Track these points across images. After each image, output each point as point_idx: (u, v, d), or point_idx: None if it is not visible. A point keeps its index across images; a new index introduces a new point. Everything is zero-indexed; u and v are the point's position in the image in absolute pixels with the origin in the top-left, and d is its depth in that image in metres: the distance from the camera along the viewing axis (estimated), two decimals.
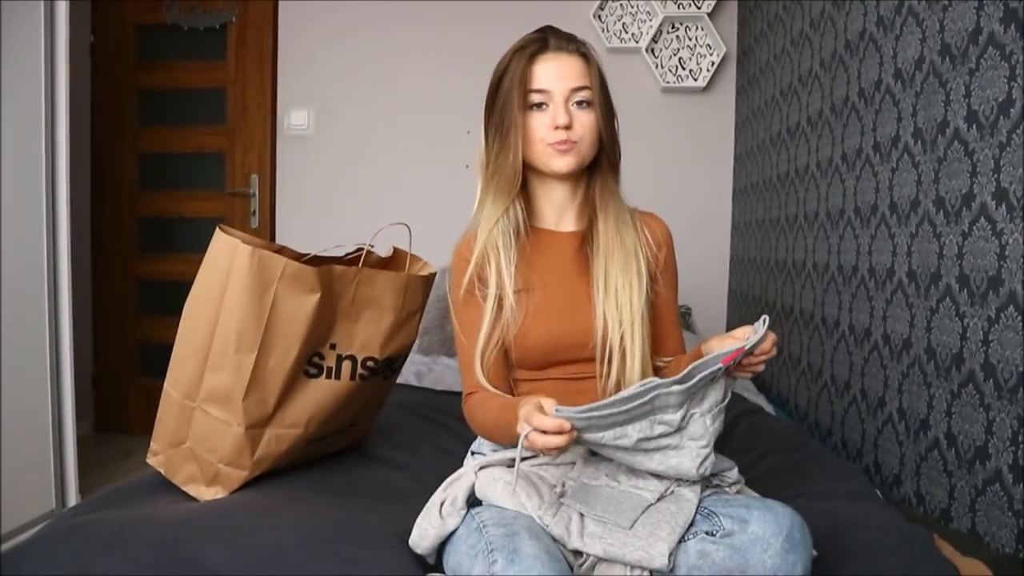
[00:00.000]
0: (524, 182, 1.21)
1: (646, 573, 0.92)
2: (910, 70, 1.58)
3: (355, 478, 1.33)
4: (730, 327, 3.10)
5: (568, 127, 1.13)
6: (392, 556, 1.02)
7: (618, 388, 1.12)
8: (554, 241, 1.22)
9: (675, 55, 3.04)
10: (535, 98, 1.14)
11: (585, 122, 1.15)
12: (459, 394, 1.96)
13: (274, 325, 1.19)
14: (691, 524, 0.93)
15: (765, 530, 0.88)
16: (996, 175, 1.27)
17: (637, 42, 3.01)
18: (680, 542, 0.92)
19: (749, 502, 0.93)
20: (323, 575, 0.98)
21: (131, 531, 1.04)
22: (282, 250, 1.29)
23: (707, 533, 0.91)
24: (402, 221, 1.38)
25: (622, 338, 1.13)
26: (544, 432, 0.89)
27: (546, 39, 1.16)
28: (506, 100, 1.15)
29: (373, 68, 3.18)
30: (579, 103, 1.15)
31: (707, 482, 1.02)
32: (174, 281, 3.18)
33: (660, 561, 0.90)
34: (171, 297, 2.92)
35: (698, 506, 0.95)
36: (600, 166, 1.21)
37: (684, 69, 3.03)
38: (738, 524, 0.90)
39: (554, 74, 1.14)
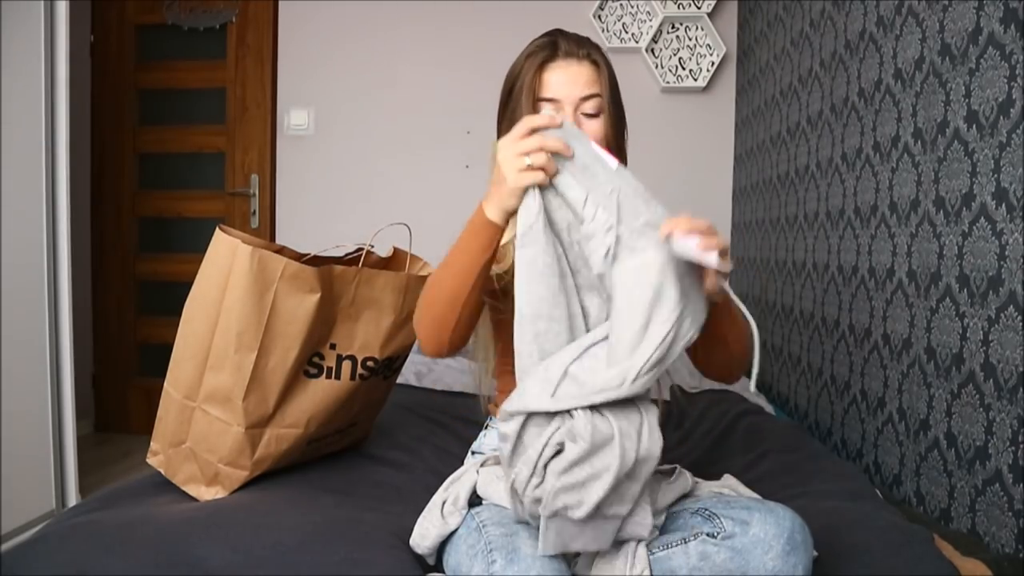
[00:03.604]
0: None
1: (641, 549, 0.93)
2: (910, 70, 1.58)
3: (355, 478, 1.33)
4: None
5: None
6: (392, 556, 1.02)
7: None
8: None
9: (675, 55, 3.04)
10: (544, 107, 1.13)
11: (594, 131, 1.13)
12: (459, 394, 1.98)
13: (274, 325, 1.19)
14: (692, 526, 0.94)
15: (766, 532, 0.88)
16: (996, 175, 1.27)
17: (637, 42, 3.01)
18: (681, 543, 0.92)
19: (750, 504, 0.93)
20: (323, 575, 0.98)
21: (131, 531, 1.04)
22: (282, 250, 1.29)
23: (708, 535, 0.91)
24: (402, 221, 1.39)
25: None
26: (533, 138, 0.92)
27: (556, 45, 1.14)
28: (516, 107, 1.14)
29: (373, 68, 3.18)
30: (588, 111, 1.14)
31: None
32: (174, 281, 3.19)
33: (647, 529, 0.91)
34: (171, 297, 2.93)
35: (697, 506, 0.96)
36: None
37: (684, 69, 3.03)
38: (739, 526, 0.90)
39: (563, 82, 1.12)
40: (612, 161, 0.95)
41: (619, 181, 0.93)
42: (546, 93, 1.13)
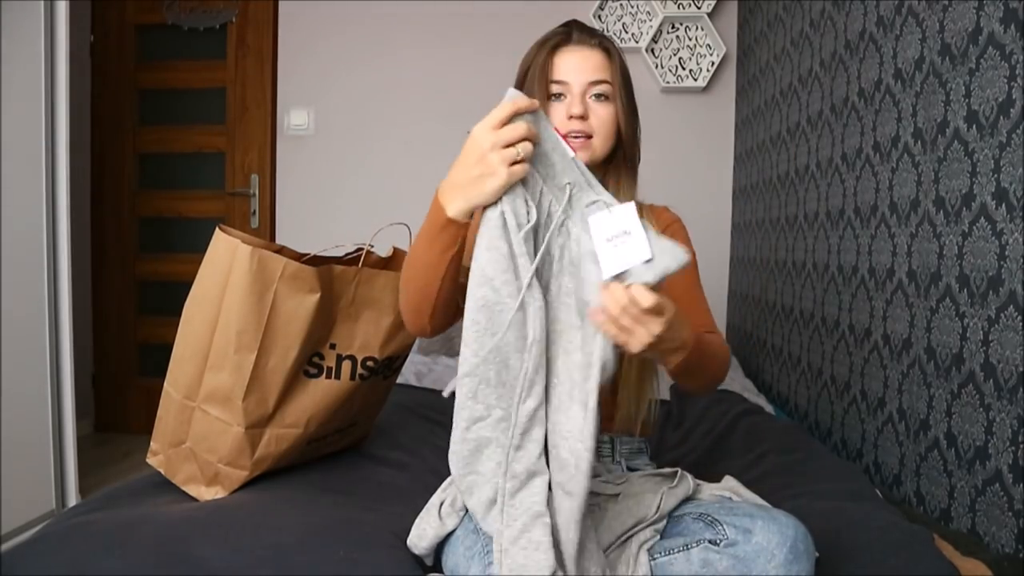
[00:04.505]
0: None
1: (643, 554, 0.93)
2: (910, 70, 1.58)
3: (355, 478, 1.33)
4: (730, 327, 3.10)
5: (583, 118, 1.12)
6: (392, 556, 1.02)
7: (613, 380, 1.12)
8: None
9: (675, 55, 3.04)
10: (554, 88, 1.14)
11: (601, 115, 1.14)
12: None
13: (274, 325, 1.19)
14: (694, 532, 0.94)
15: (769, 540, 0.87)
16: (996, 175, 1.26)
17: (637, 42, 3.01)
18: (683, 549, 0.93)
19: (753, 511, 0.93)
20: (323, 575, 0.98)
21: (131, 531, 1.04)
22: (282, 250, 1.29)
23: (710, 542, 0.91)
24: (402, 221, 1.38)
25: None
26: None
27: (570, 32, 1.16)
28: (529, 92, 1.14)
29: (373, 68, 3.18)
30: (597, 96, 1.14)
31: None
32: (174, 281, 3.19)
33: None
34: (171, 297, 2.93)
35: (699, 511, 0.96)
36: (616, 161, 1.20)
37: (684, 69, 3.03)
38: (742, 534, 0.89)
39: (573, 66, 1.13)
40: (569, 151, 0.92)
41: (574, 173, 0.91)
42: (556, 76, 1.14)
